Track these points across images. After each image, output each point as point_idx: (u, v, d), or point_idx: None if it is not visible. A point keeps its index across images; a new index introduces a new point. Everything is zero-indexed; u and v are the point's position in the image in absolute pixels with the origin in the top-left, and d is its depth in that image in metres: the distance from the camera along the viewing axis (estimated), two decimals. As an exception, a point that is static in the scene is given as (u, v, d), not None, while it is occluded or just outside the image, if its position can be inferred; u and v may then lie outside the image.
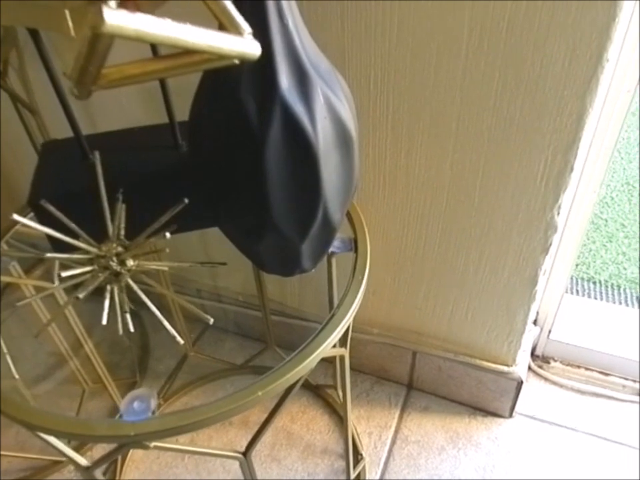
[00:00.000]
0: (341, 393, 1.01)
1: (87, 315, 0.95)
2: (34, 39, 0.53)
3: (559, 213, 0.72)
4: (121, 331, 0.51)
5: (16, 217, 0.46)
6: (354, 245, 0.60)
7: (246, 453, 0.54)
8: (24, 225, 0.53)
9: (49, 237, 0.59)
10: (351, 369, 1.00)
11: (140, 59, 0.32)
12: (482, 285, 0.85)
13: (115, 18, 0.25)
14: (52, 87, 0.59)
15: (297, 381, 0.50)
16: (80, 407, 1.05)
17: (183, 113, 0.63)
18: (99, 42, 0.26)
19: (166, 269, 0.53)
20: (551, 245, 0.76)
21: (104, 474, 0.96)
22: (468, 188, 0.75)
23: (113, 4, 0.25)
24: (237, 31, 0.32)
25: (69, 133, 0.64)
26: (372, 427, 1.00)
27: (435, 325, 0.95)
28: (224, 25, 0.32)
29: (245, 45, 0.32)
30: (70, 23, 0.40)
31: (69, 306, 0.85)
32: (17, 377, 0.72)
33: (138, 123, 0.69)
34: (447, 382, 1.01)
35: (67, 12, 0.40)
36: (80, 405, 1.06)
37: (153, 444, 0.47)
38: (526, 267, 0.79)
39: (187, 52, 0.31)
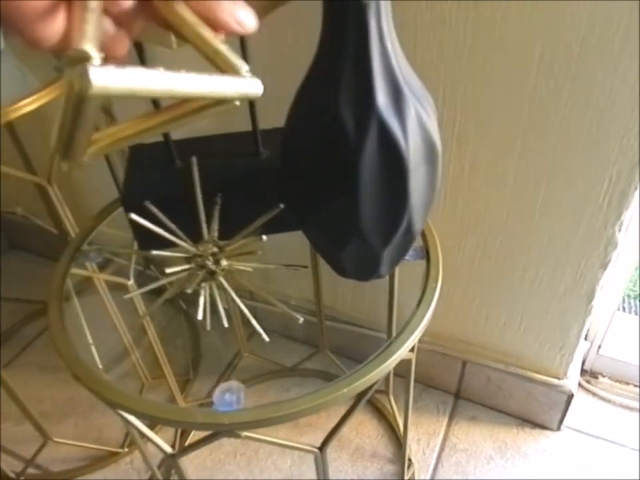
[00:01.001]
0: (392, 398, 1.04)
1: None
2: (138, 52, 0.57)
3: (620, 230, 0.74)
4: (208, 327, 0.54)
5: (133, 216, 0.49)
6: (426, 253, 0.63)
7: (322, 448, 0.57)
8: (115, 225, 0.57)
9: (139, 236, 0.63)
10: (400, 375, 1.02)
11: (132, 118, 0.30)
12: (537, 298, 0.87)
13: (103, 77, 0.22)
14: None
15: (374, 383, 0.53)
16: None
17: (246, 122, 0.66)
18: (86, 105, 0.24)
19: (251, 269, 0.56)
20: (610, 261, 0.77)
21: (159, 467, 0.99)
22: (529, 203, 0.77)
23: (96, 61, 0.23)
24: (234, 70, 0.29)
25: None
26: (420, 434, 1.02)
27: (487, 336, 0.96)
28: (219, 67, 0.29)
29: (246, 85, 0.29)
30: (173, 37, 0.43)
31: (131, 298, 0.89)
32: (100, 366, 0.76)
33: (203, 132, 0.72)
34: (496, 393, 1.02)
35: None
36: (138, 399, 1.09)
37: (244, 433, 0.50)
38: (583, 281, 0.81)
39: (184, 100, 0.29)
